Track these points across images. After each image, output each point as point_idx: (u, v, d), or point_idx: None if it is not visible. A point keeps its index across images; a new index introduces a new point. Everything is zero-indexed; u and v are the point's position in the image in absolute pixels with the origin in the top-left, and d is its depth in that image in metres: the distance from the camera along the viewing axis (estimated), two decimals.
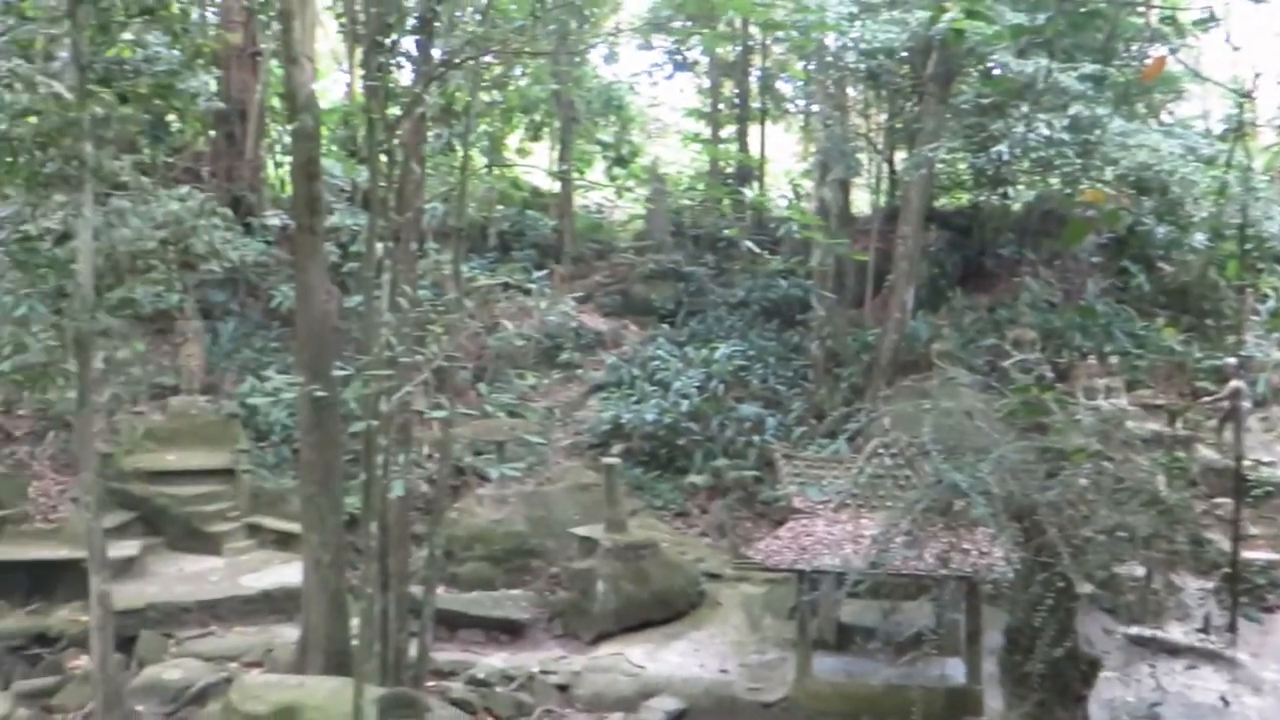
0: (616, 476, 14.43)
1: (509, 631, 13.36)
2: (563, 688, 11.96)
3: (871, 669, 11.10)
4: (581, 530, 14.70)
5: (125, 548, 13.57)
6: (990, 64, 17.72)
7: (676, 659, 12.56)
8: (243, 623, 12.90)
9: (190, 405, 16.22)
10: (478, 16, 10.63)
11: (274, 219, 18.78)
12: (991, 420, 9.14)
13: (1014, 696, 9.11)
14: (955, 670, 11.19)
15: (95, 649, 9.96)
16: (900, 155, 23.16)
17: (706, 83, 28.17)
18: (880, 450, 11.91)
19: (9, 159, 10.11)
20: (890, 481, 11.62)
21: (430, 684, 10.99)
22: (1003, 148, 17.13)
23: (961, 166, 22.70)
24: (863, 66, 19.83)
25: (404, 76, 10.44)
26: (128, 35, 10.64)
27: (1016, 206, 22.80)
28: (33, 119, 9.88)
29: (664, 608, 13.73)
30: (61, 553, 13.27)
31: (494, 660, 12.41)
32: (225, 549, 14.73)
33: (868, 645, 10.76)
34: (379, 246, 9.51)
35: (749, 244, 16.63)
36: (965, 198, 24.55)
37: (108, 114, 10.16)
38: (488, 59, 10.82)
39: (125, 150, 11.14)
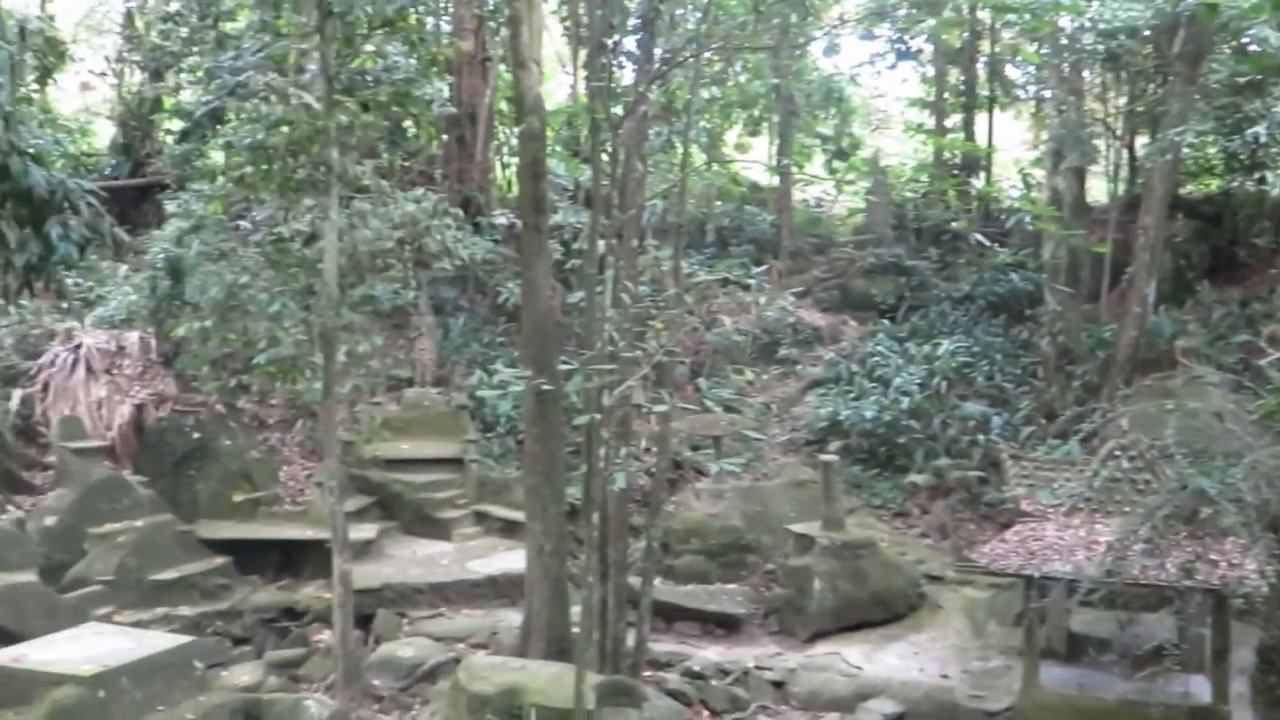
0: (834, 474, 14.22)
1: (724, 626, 13.37)
2: (778, 684, 11.87)
3: (1105, 682, 10.52)
4: (798, 527, 14.56)
5: (364, 530, 14.37)
6: (1246, 39, 16.45)
7: (895, 661, 12.26)
8: (470, 605, 13.43)
9: (423, 397, 17.03)
10: (699, 14, 10.68)
11: (501, 218, 19.47)
12: (1244, 423, 8.51)
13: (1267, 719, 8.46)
14: (1200, 688, 10.46)
15: (337, 625, 10.62)
16: (1141, 140, 21.85)
17: (931, 71, 27.37)
18: (1118, 452, 11.25)
19: (264, 166, 10.88)
20: (1128, 486, 10.94)
21: (646, 674, 11.13)
22: (1259, 129, 15.87)
23: (1211, 150, 21.25)
24: (1101, 48, 18.77)
25: (626, 76, 10.62)
26: (369, 47, 11.27)
27: (1275, 192, 21.11)
28: (285, 128, 10.60)
29: (882, 608, 13.44)
30: (307, 533, 14.24)
31: (709, 654, 12.43)
32: (454, 534, 15.38)
33: (1101, 657, 10.23)
34: (601, 244, 9.70)
35: (978, 236, 16.02)
36: (1215, 184, 22.92)
37: (351, 122, 10.80)
38: (708, 55, 10.85)
39: (366, 155, 11.79)
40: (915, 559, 14.88)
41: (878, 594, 13.45)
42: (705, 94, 13.73)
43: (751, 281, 13.26)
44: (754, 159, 27.40)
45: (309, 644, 12.42)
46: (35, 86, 17.17)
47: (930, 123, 27.83)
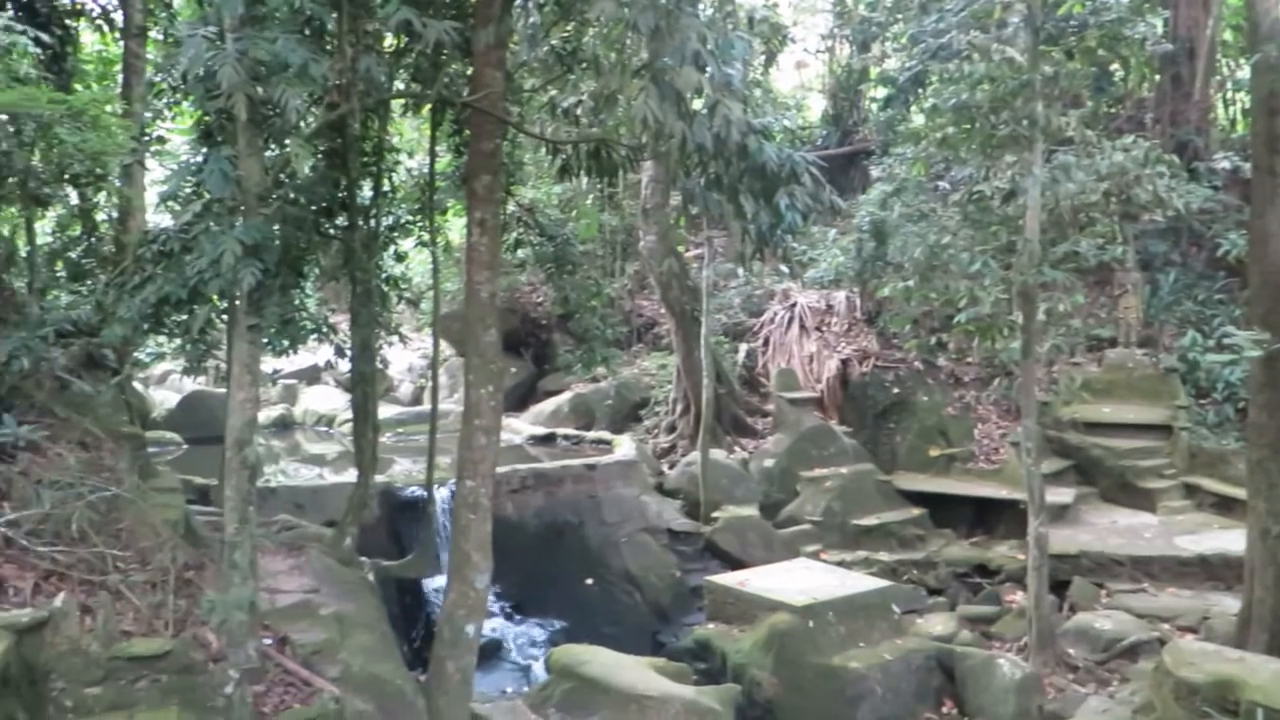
0: None
1: None
2: None
3: None
4: None
5: (1060, 494, 13.97)
6: None
7: None
8: (1175, 584, 12.42)
9: (1127, 358, 16.03)
10: None
11: (1223, 162, 17.52)
12: None
13: None
14: None
15: (1031, 587, 10.47)
16: None
17: None
18: None
19: (966, 125, 10.93)
20: None
21: None
22: None
23: None
24: None
25: None
26: None
27: None
28: (988, 86, 10.53)
29: None
30: (1001, 492, 14.22)
31: None
32: (1159, 506, 14.32)
33: None
34: None
35: None
36: None
37: (1056, 71, 10.42)
38: None
39: (1071, 105, 11.32)
40: None
41: None
42: None
43: None
44: None
45: (1001, 603, 12.40)
46: (762, 69, 19.03)
47: None
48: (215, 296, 6.39)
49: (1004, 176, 11.42)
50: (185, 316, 7.06)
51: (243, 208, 6.07)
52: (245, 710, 5.52)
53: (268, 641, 6.56)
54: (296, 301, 8.62)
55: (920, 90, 17.12)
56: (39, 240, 9.84)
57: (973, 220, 11.40)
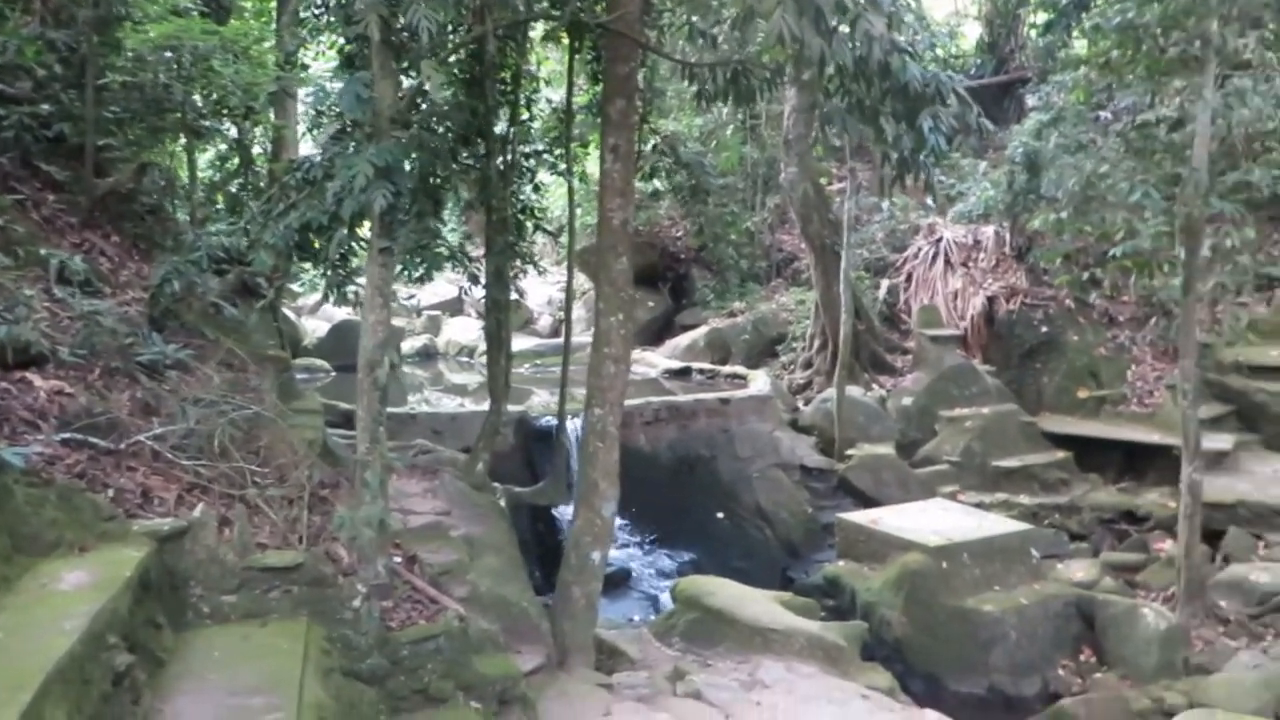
0: None
1: None
2: None
3: None
4: None
5: (1218, 441, 13.17)
6: None
7: None
8: None
9: None
10: None
11: None
12: None
13: None
14: None
15: (1181, 535, 9.91)
16: None
17: None
18: None
19: (1131, 49, 10.21)
20: None
21: None
22: None
23: None
24: None
25: None
26: None
27: None
28: (1157, 4, 9.78)
29: None
30: (1154, 437, 13.51)
31: None
32: None
33: None
34: None
35: None
36: None
37: None
38: None
39: (1250, 26, 10.43)
40: None
41: None
42: None
43: None
44: None
45: (1148, 551, 11.84)
46: None
47: None
48: (350, 220, 6.42)
49: (1171, 103, 10.66)
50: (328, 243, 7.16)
51: (375, 131, 6.06)
52: (373, 623, 5.61)
53: (398, 560, 6.64)
54: (432, 228, 8.65)
55: (1083, 14, 16.13)
56: (199, 173, 10.12)
57: (1135, 149, 10.69)
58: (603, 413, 7.78)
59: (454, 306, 22.54)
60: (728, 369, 16.73)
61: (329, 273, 7.61)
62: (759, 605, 8.78)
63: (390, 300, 6.36)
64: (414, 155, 7.11)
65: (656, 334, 20.05)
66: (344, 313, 18.03)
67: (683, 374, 16.96)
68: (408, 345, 20.06)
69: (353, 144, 6.38)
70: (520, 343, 18.94)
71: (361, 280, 6.88)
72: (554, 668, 7.40)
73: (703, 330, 18.68)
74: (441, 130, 8.63)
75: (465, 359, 20.00)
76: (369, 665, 5.53)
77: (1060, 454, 13.81)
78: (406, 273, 8.75)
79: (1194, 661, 9.21)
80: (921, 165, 6.85)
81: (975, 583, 9.75)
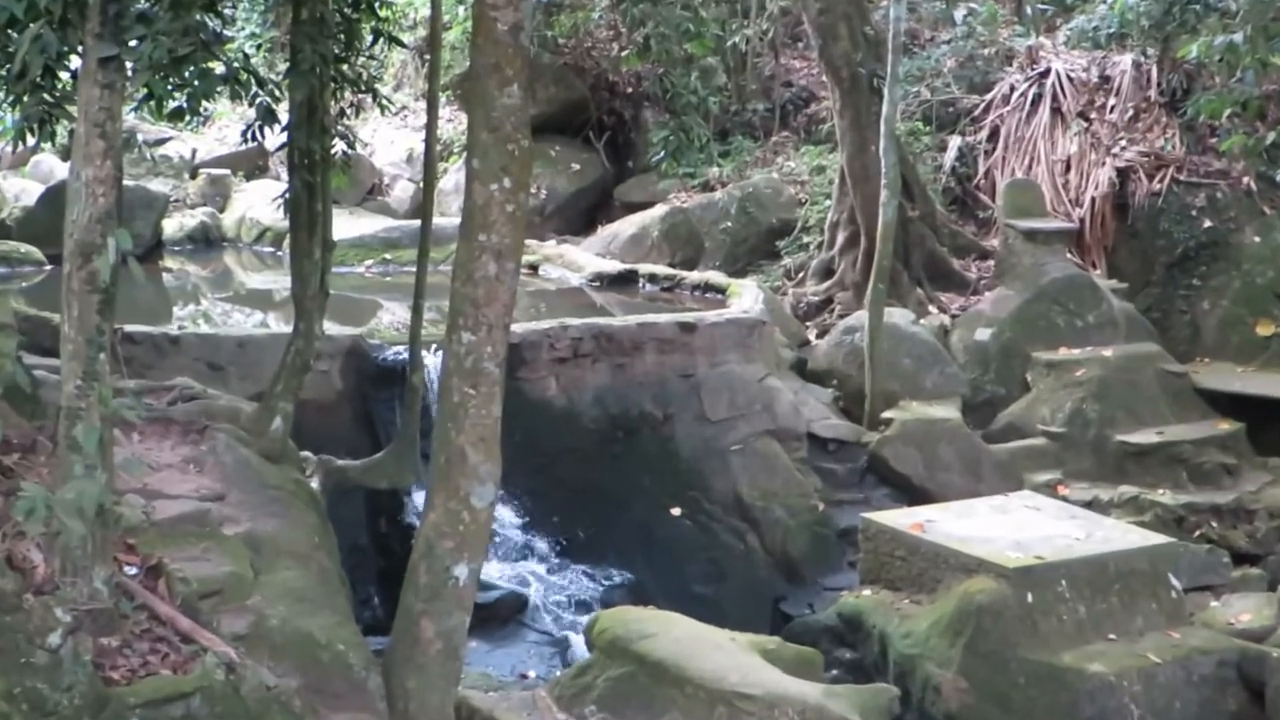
0: None
1: None
2: None
3: None
4: None
5: None
6: None
7: None
8: None
9: None
10: None
11: None
12: None
13: None
14: None
15: None
16: None
17: None
18: None
19: None
20: None
21: None
22: None
23: None
24: None
25: None
26: None
27: None
28: None
29: None
30: None
31: None
32: None
33: None
34: None
35: None
36: None
37: None
38: None
39: None
40: None
41: None
42: None
43: None
44: None
45: None
46: None
47: None
48: (61, 7, 6.21)
49: None
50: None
51: None
52: (80, 672, 5.53)
53: (131, 571, 6.58)
54: (198, 24, 8.37)
55: None
56: None
57: None
58: (475, 340, 7.64)
59: (252, 163, 22.21)
60: (696, 275, 16.68)
61: (24, 98, 7.39)
62: (724, 656, 8.73)
63: (118, 144, 6.18)
64: None
65: (585, 216, 20.03)
66: (65, 169, 17.70)
67: (624, 281, 16.96)
68: (173, 225, 19.74)
69: None
70: (358, 225, 18.74)
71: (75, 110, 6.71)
72: None
73: (658, 212, 18.68)
74: None
75: (269, 249, 19.75)
76: None
77: (1225, 425, 13.97)
78: (155, 102, 8.47)
79: None
80: None
81: (1079, 628, 9.80)
